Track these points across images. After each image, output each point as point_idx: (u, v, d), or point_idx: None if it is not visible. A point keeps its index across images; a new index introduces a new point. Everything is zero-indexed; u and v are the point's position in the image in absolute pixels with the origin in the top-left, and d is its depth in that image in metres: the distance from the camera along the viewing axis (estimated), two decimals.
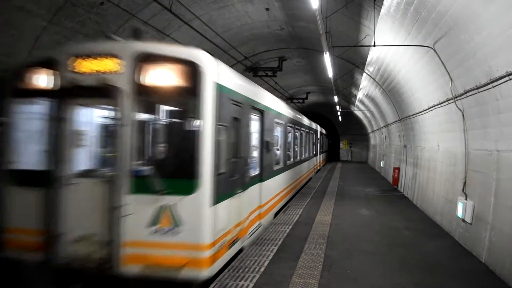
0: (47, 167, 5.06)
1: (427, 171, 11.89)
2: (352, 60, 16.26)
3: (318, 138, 24.73)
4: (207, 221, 4.96)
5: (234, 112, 6.10)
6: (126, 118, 4.92)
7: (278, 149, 11.03)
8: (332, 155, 41.07)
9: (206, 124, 4.94)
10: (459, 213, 8.05)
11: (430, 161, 11.57)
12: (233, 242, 6.06)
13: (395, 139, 19.03)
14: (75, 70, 5.11)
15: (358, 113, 30.98)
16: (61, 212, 4.95)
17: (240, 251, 6.77)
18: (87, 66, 5.09)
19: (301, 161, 16.34)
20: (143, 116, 5.13)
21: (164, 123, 5.34)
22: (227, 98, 5.69)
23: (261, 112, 8.34)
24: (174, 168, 5.15)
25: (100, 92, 4.96)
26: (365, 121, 32.57)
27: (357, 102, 26.26)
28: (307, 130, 18.20)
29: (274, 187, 9.93)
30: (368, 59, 14.37)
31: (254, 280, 5.64)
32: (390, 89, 14.73)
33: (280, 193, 10.84)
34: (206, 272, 4.91)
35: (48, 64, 5.23)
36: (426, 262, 6.76)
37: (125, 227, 4.83)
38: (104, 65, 5.05)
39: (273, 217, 9.93)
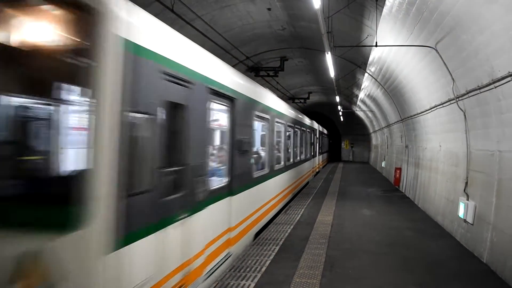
0: None
1: (428, 171, 11.87)
2: (354, 60, 16.25)
3: (316, 138, 22.84)
4: (101, 278, 2.92)
5: (170, 94, 4.05)
6: None
7: (260, 151, 9.18)
8: (333, 155, 41.04)
9: (103, 111, 2.98)
10: (461, 213, 8.04)
11: (431, 161, 11.55)
12: None
13: (397, 139, 19.00)
14: None
15: (360, 113, 30.94)
16: None
17: None
18: None
19: (295, 164, 13.95)
20: None
21: (28, 109, 3.42)
22: (154, 69, 3.68)
23: (231, 99, 6.17)
24: (43, 186, 3.30)
25: None
26: (366, 121, 32.53)
27: (358, 102, 26.23)
28: (303, 128, 16.16)
29: (254, 200, 7.89)
30: (370, 59, 14.36)
31: (256, 279, 5.64)
32: (392, 89, 14.72)
33: (264, 206, 8.78)
34: None
35: None
36: (427, 262, 6.75)
37: None
38: None
39: (253, 239, 7.80)
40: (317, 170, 24.13)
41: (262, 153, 9.30)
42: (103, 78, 2.97)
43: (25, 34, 3.16)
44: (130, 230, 3.24)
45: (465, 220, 7.87)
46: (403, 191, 15.88)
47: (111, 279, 3.03)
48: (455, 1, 6.43)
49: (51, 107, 3.47)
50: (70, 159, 3.36)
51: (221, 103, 5.89)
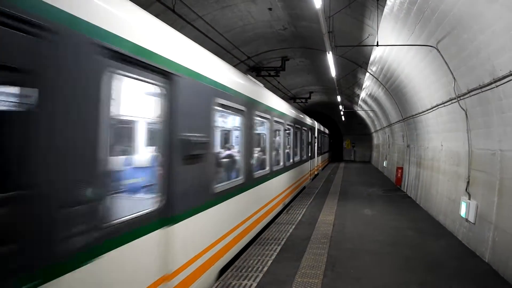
0: None
1: (430, 170, 11.86)
2: (355, 59, 16.25)
3: (314, 137, 20.47)
4: None
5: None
6: None
7: (225, 155, 7.14)
8: (335, 155, 41.03)
9: None
10: (463, 212, 8.03)
11: (433, 160, 11.55)
12: None
13: (398, 139, 18.99)
14: None
15: (361, 113, 30.93)
16: None
17: None
18: None
19: (283, 170, 11.19)
20: None
21: None
22: None
23: (166, 75, 4.04)
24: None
25: None
26: (368, 121, 32.51)
27: (360, 102, 26.21)
28: (297, 126, 13.75)
29: (217, 224, 5.60)
30: (371, 58, 14.35)
31: (258, 279, 5.65)
32: (393, 89, 14.71)
33: (232, 232, 6.25)
34: None
35: None
36: (429, 262, 6.75)
37: None
38: None
39: (216, 277, 5.57)
40: (315, 172, 22.02)
41: (232, 158, 7.20)
42: None
43: None
44: None
45: (467, 220, 7.86)
46: (405, 191, 15.87)
47: None
48: (456, 0, 6.43)
49: None
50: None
51: (142, 78, 3.66)
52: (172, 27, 4.41)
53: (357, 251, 7.24)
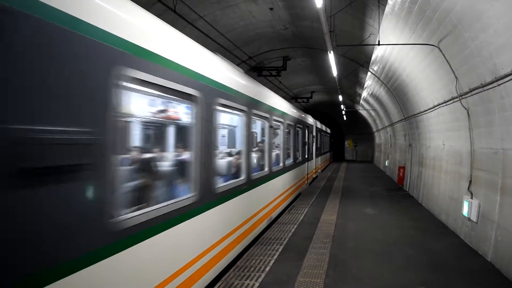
0: None
1: (432, 170, 11.84)
2: (357, 59, 16.23)
3: (313, 136, 18.80)
4: None
5: None
6: None
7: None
8: (337, 155, 40.99)
9: None
10: (465, 211, 8.02)
11: (435, 160, 11.53)
12: None
13: (400, 138, 18.96)
14: None
15: (363, 112, 30.90)
16: None
17: None
18: None
19: (272, 175, 9.12)
20: None
21: None
22: None
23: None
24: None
25: None
26: (370, 120, 32.48)
27: (361, 101, 26.19)
28: (289, 123, 11.40)
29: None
30: (373, 58, 14.34)
31: (260, 279, 5.66)
32: (395, 88, 14.69)
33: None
34: None
35: None
36: (431, 261, 6.74)
37: None
38: None
39: None
40: (314, 175, 19.68)
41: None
42: None
43: None
44: None
45: (469, 219, 7.85)
46: (407, 190, 15.85)
47: None
48: None
49: None
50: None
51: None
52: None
53: (359, 251, 7.24)
